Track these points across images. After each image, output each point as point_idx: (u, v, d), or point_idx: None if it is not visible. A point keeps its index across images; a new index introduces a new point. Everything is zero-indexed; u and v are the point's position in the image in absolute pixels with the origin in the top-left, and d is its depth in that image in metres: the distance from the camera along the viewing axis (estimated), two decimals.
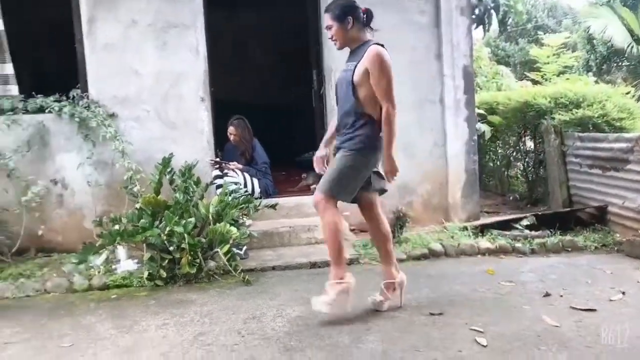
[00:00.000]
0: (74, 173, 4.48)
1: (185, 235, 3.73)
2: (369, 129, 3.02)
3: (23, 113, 4.46)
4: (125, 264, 3.99)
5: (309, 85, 5.49)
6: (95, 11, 4.58)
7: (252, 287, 3.73)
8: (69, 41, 4.74)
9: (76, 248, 4.25)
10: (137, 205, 4.00)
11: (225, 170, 4.71)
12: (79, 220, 4.55)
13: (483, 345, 2.71)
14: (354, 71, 2.98)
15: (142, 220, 3.85)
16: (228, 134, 4.95)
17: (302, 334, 2.96)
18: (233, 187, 4.31)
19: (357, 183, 3.09)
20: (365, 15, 3.07)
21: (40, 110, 4.50)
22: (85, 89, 4.61)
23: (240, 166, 4.82)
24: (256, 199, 4.39)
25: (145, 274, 3.80)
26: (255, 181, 4.80)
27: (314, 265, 4.09)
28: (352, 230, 4.78)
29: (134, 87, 4.64)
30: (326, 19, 3.07)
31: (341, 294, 3.03)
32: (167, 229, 3.72)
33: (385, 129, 2.98)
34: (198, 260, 3.80)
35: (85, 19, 4.58)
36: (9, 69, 4.69)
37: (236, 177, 4.70)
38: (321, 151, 3.24)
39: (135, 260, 4.05)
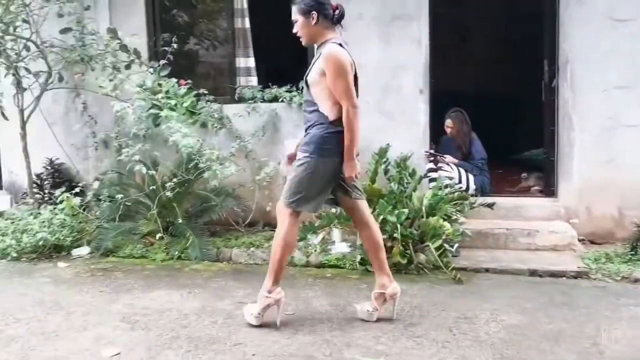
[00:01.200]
0: None
1: (398, 225, 3.75)
2: (324, 129, 2.84)
3: (260, 102, 4.98)
4: (339, 246, 4.18)
5: (536, 77, 5.04)
6: None
7: (464, 286, 3.58)
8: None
9: None
10: None
11: (440, 164, 4.61)
12: None
13: None
14: (310, 69, 2.86)
15: None
16: (445, 126, 4.84)
17: (520, 344, 2.73)
18: (447, 181, 4.20)
19: (320, 190, 2.90)
20: (335, 13, 2.89)
21: (274, 99, 4.97)
22: None
23: (456, 161, 4.68)
24: (471, 195, 4.21)
25: (358, 258, 3.93)
26: (471, 177, 4.60)
27: (533, 273, 3.76)
28: (580, 240, 4.27)
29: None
30: (293, 13, 2.94)
31: (266, 308, 2.95)
32: (381, 217, 3.78)
33: (345, 130, 2.79)
34: (409, 252, 3.79)
35: None
36: (251, 62, 5.30)
37: (451, 171, 4.57)
38: (289, 149, 3.13)
39: (349, 244, 4.22)
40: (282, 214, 2.97)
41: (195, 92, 4.87)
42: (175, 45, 4.80)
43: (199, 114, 4.82)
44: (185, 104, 4.69)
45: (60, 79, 5.05)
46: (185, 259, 4.24)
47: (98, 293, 3.56)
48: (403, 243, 3.76)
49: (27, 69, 4.93)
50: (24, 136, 5.00)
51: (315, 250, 4.18)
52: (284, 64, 5.69)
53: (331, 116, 2.86)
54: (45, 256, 4.33)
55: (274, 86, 5.02)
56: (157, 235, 4.27)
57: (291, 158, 3.10)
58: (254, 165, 4.88)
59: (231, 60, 5.35)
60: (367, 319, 3.04)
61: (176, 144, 4.24)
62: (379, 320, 3.04)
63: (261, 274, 3.87)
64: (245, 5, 5.20)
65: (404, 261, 3.76)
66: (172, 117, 4.35)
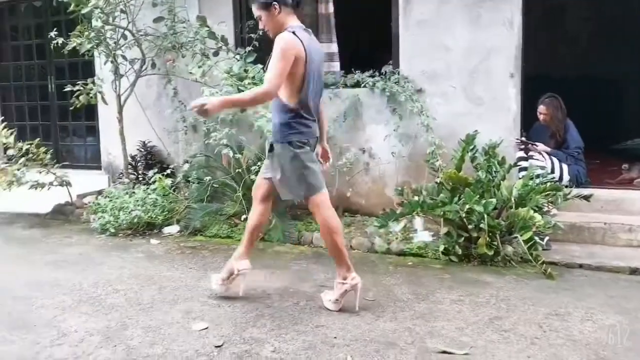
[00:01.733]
0: (381, 143, 4.79)
1: (485, 215, 3.61)
2: (281, 116, 2.87)
3: (343, 87, 4.96)
4: (422, 235, 4.10)
5: None
6: None
7: (555, 282, 3.39)
8: (382, 21, 5.05)
9: (376, 212, 4.58)
10: (437, 180, 4.05)
11: (531, 153, 4.37)
12: (381, 187, 4.88)
13: None
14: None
15: (441, 195, 3.88)
16: (538, 113, 4.57)
17: (618, 346, 2.55)
18: (539, 171, 3.98)
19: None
20: None
21: (357, 85, 4.93)
22: (396, 65, 4.85)
23: (548, 149, 4.41)
24: (565, 186, 3.97)
25: (441, 248, 3.84)
26: (565, 167, 4.33)
27: (634, 271, 3.49)
28: None
29: (443, 63, 4.66)
30: (254, 11, 2.93)
31: (344, 294, 2.97)
32: (467, 206, 3.65)
33: (245, 96, 2.91)
34: (496, 243, 3.65)
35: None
36: (334, 47, 5.28)
37: (543, 160, 4.32)
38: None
39: (431, 233, 4.13)
40: (310, 206, 3.00)
41: None
42: (260, 32, 4.88)
43: None
44: None
45: (153, 66, 5.30)
46: (268, 241, 4.34)
47: (187, 270, 3.73)
48: (490, 234, 3.62)
49: (123, 57, 5.23)
50: (120, 120, 5.32)
51: (397, 238, 4.12)
52: (367, 48, 5.64)
53: (292, 103, 2.86)
54: (139, 233, 4.61)
55: (356, 71, 4.98)
56: (243, 217, 4.40)
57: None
58: (335, 151, 4.87)
59: None
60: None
61: (261, 128, 4.32)
62: (462, 311, 2.96)
63: None
64: None
65: (490, 253, 3.62)
66: None
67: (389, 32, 4.93)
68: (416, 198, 3.91)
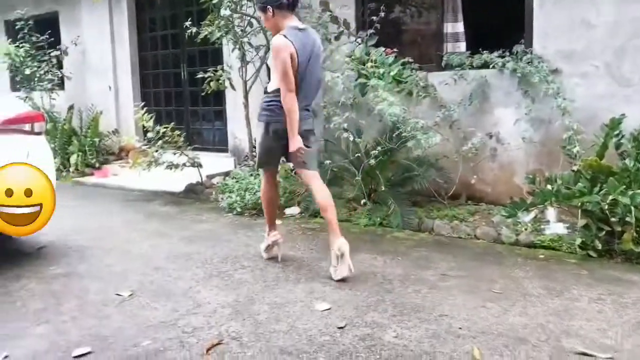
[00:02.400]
0: (510, 128, 4.50)
1: (632, 207, 3.24)
2: (263, 99, 3.37)
3: (469, 69, 4.72)
4: (555, 227, 3.80)
5: None
6: None
7: None
8: None
9: (502, 201, 4.34)
10: (575, 168, 3.72)
11: None
12: (509, 175, 4.60)
13: None
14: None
15: (579, 184, 3.55)
16: None
17: None
18: None
19: (265, 152, 3.44)
20: (288, 1, 3.18)
21: (484, 65, 4.66)
22: (529, 44, 4.51)
23: None
24: None
25: (578, 242, 3.53)
26: None
27: None
28: None
29: (583, 41, 4.24)
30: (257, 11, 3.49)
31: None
32: (610, 197, 3.31)
33: (287, 114, 3.16)
34: None
35: None
36: (460, 27, 5.05)
37: None
38: None
39: (566, 225, 3.81)
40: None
41: (402, 60, 4.83)
42: (382, 15, 4.81)
43: (405, 82, 4.77)
44: (392, 73, 4.68)
45: None
46: (387, 226, 4.29)
47: (308, 250, 3.81)
48: (637, 228, 3.25)
49: (249, 44, 5.44)
50: (246, 105, 5.56)
51: (526, 229, 3.87)
52: (495, 28, 5.30)
53: (269, 87, 3.30)
54: (263, 213, 4.78)
55: (484, 52, 4.71)
56: (362, 201, 4.40)
57: None
58: (459, 136, 4.69)
59: (438, 27, 5.17)
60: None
61: (381, 112, 4.26)
62: (604, 311, 2.70)
63: (466, 247, 3.78)
64: None
65: (638, 249, 3.26)
66: (379, 85, 4.38)
67: (520, 9, 4.59)
68: (549, 187, 3.62)
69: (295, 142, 3.19)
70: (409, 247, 3.85)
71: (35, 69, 7.58)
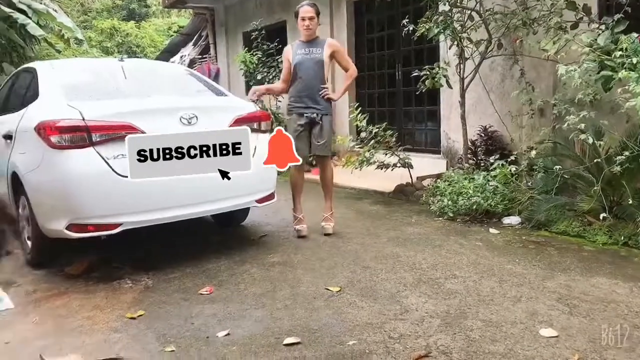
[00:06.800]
0: None
1: None
2: None
3: None
4: None
5: None
6: None
7: None
8: None
9: None
10: None
11: None
12: None
13: None
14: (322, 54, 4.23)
15: None
16: None
17: None
18: None
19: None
20: None
21: None
22: None
23: None
24: None
25: None
26: None
27: None
28: None
29: None
30: (309, 12, 4.15)
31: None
32: None
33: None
34: None
35: None
36: None
37: None
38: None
39: None
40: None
41: None
42: None
43: None
44: None
45: (499, 46, 5.03)
46: (634, 247, 3.57)
47: (530, 266, 3.36)
48: None
49: (469, 39, 5.11)
50: (462, 104, 5.25)
51: None
52: None
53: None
54: (477, 219, 4.44)
55: None
56: (601, 216, 3.73)
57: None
58: None
59: None
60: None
61: (636, 110, 3.54)
62: None
63: None
64: None
65: None
66: (630, 78, 3.65)
67: None
68: None
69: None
70: None
71: (265, 74, 8.37)
